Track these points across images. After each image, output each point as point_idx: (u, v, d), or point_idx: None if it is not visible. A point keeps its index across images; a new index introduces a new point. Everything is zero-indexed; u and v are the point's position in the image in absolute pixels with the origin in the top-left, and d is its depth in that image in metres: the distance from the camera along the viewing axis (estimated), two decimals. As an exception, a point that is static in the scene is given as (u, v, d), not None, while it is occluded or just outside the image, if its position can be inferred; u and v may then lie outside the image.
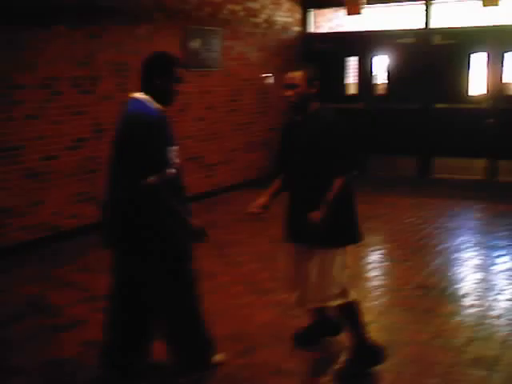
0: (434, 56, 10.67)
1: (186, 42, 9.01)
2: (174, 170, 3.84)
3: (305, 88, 4.05)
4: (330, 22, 12.61)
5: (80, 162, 7.58)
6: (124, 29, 8.03)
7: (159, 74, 3.88)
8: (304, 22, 11.78)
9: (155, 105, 3.85)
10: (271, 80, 10.70)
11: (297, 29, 11.64)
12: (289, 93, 4.07)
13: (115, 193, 3.90)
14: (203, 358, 4.13)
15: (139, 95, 3.90)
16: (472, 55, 10.43)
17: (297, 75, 4.06)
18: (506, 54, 10.20)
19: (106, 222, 3.99)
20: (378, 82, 11.30)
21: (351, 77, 11.54)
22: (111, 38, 7.86)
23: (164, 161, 3.78)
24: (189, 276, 4.04)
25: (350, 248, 4.19)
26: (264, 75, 10.35)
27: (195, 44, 9.17)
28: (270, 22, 10.84)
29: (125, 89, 7.88)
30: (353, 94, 11.51)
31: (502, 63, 10.27)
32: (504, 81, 10.34)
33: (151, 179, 3.66)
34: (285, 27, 11.29)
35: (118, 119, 3.94)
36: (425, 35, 10.81)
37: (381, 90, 11.30)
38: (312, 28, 11.90)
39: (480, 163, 10.60)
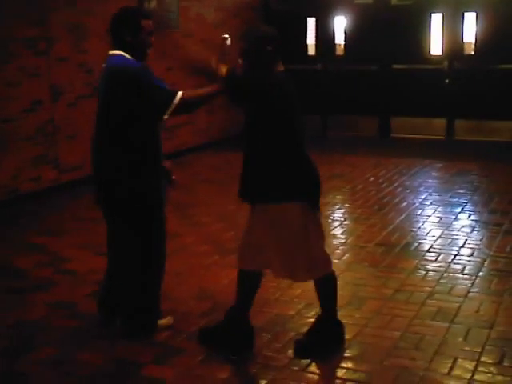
0: (392, 16, 10.65)
1: (141, 2, 8.81)
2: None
3: (257, 54, 3.59)
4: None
5: (37, 125, 7.41)
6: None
7: (128, 31, 3.79)
8: (262, -18, 11.60)
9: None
10: (229, 41, 10.55)
11: (255, -11, 11.46)
12: (240, 61, 3.64)
13: (101, 156, 3.90)
14: (150, 320, 4.12)
15: (117, 52, 3.81)
16: (432, 15, 10.43)
17: (247, 41, 3.63)
18: (465, 14, 10.23)
19: (95, 182, 3.98)
20: (337, 43, 11.24)
21: (311, 38, 11.45)
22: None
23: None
24: (158, 236, 4.03)
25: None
26: (223, 36, 10.20)
27: (151, 4, 8.99)
28: (227, -18, 10.66)
29: (81, 50, 7.72)
30: (312, 55, 11.45)
31: (462, 23, 10.29)
32: (463, 40, 10.36)
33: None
34: (243, -13, 11.11)
35: (100, 79, 3.88)
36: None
37: (340, 51, 11.25)
38: (270, -12, 11.73)
39: (439, 122, 10.70)
